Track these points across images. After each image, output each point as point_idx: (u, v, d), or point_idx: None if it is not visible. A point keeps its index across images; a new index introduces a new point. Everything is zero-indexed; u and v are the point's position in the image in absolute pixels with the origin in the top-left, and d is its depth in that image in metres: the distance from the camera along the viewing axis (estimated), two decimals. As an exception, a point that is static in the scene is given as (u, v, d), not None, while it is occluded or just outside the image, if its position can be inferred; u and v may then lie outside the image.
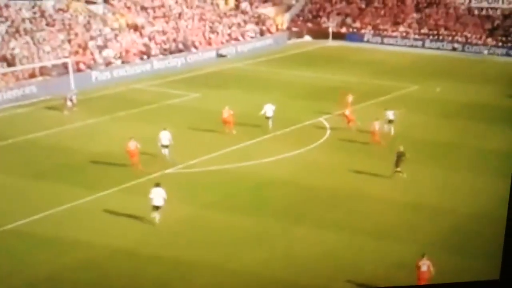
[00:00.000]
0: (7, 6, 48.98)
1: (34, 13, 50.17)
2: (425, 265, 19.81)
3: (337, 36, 64.30)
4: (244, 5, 65.13)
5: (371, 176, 29.38)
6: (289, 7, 68.70)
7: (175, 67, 51.96)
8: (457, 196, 27.34)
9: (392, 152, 29.57)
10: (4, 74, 43.52)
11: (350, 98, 38.25)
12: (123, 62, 49.94)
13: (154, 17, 56.87)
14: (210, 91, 44.55)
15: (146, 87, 46.26)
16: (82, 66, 47.46)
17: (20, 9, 49.59)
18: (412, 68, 51.10)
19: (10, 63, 44.65)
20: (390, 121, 34.82)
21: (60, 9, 51.99)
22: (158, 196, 24.14)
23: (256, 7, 65.87)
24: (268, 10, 66.59)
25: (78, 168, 30.44)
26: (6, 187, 28.51)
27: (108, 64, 49.24)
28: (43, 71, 45.49)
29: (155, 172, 29.43)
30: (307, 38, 65.06)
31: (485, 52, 57.49)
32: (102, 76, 47.37)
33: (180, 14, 58.71)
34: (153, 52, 52.35)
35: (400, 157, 28.93)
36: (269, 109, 35.51)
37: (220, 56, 56.07)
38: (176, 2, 60.25)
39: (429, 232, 24.17)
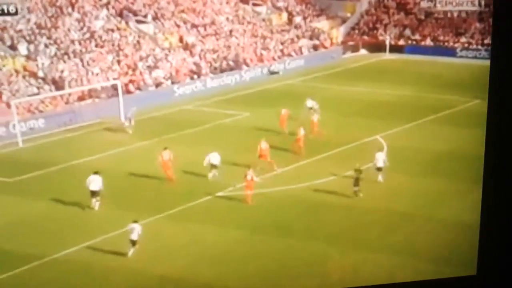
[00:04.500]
0: (55, 27, 48.61)
1: (83, 34, 49.68)
2: None
3: (395, 49, 61.79)
4: (298, 19, 63.47)
5: (434, 198, 27.62)
6: (344, 20, 66.61)
7: (225, 86, 50.54)
8: None
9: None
10: (53, 98, 43.03)
11: None
12: (173, 83, 48.90)
13: (205, 35, 55.74)
14: (261, 110, 42.82)
15: (196, 107, 45.02)
16: (131, 87, 46.63)
17: (69, 30, 49.15)
18: (474, 81, 48.31)
19: (59, 86, 44.23)
20: None
21: (109, 29, 51.37)
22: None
23: (310, 21, 64.08)
24: (322, 24, 64.69)
25: (126, 192, 29.69)
26: (62, 212, 27.91)
27: (158, 85, 48.28)
28: (92, 93, 44.85)
29: (206, 196, 28.69)
30: (363, 51, 62.80)
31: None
32: (151, 97, 46.26)
33: (231, 31, 57.44)
34: (203, 71, 51.17)
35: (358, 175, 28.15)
36: (213, 158, 30.23)
37: (272, 73, 54.43)
38: (227, 19, 59.04)
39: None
